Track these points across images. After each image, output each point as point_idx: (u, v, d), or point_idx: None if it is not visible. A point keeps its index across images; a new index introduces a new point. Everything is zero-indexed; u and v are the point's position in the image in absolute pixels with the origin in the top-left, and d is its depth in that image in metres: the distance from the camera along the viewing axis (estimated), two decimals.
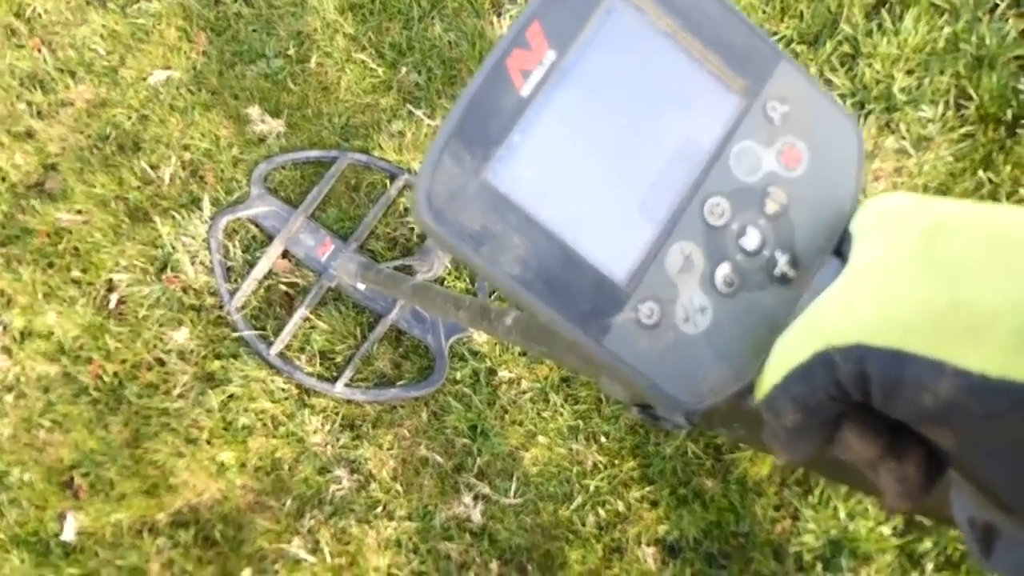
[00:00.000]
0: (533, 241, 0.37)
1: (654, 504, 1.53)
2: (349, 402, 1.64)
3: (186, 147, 1.87)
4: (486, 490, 1.57)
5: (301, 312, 1.67)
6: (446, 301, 1.13)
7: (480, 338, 1.63)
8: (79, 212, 1.83)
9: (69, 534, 1.66)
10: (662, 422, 0.57)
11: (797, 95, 0.41)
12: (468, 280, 1.71)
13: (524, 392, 1.60)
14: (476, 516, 1.56)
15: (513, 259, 0.36)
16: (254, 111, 1.86)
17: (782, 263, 0.40)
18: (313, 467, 1.62)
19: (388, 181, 1.76)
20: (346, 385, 1.63)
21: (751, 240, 0.39)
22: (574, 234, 0.38)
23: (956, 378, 0.32)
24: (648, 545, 1.51)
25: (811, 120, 0.41)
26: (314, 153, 1.82)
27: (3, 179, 1.90)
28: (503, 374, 1.61)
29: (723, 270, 0.39)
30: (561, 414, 1.59)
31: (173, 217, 1.78)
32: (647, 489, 1.53)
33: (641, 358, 0.38)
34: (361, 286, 1.66)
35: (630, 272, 0.38)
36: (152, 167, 1.84)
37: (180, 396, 1.69)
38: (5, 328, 1.79)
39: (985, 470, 0.34)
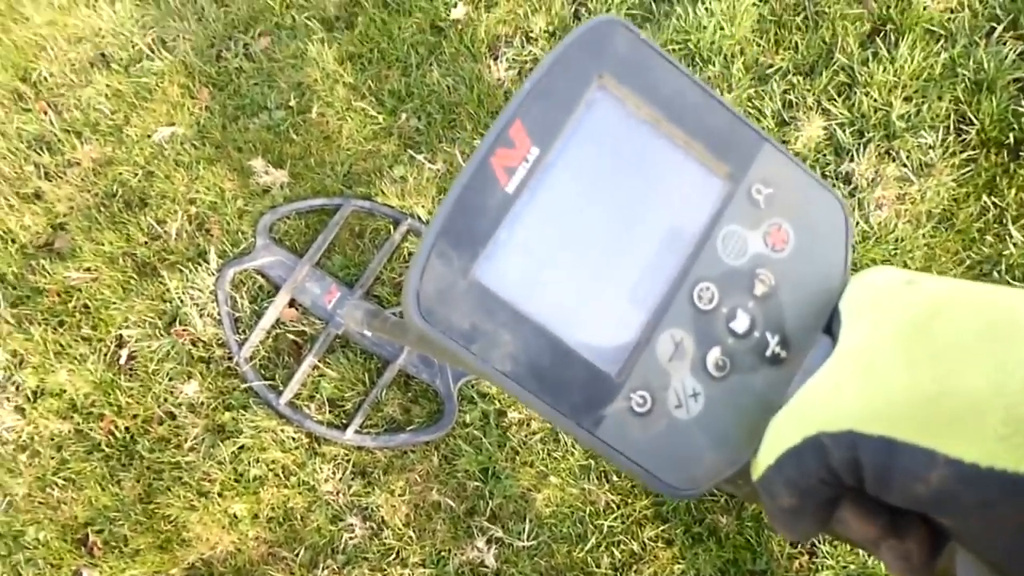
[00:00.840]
0: (523, 337, 0.37)
1: (669, 543, 1.51)
2: (360, 449, 1.63)
3: (192, 201, 1.89)
4: (499, 533, 1.55)
5: (309, 360, 1.68)
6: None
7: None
8: (88, 270, 1.85)
9: None
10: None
11: (781, 177, 0.41)
12: None
13: (534, 433, 1.59)
14: (490, 560, 1.54)
15: (504, 355, 0.36)
16: (258, 163, 1.88)
17: (773, 344, 0.40)
18: (325, 516, 1.61)
19: (392, 227, 1.77)
20: (356, 432, 1.63)
21: (741, 323, 0.39)
22: (564, 327, 0.38)
23: (948, 467, 0.32)
24: None
25: (796, 200, 0.41)
26: (318, 201, 1.83)
27: (13, 241, 1.92)
28: (512, 415, 1.60)
29: (714, 354, 0.39)
30: (572, 454, 1.57)
31: (180, 271, 1.80)
32: (661, 528, 1.52)
33: (635, 447, 0.38)
34: (368, 332, 1.67)
35: (621, 362, 0.38)
36: (159, 222, 1.86)
37: (191, 449, 1.69)
38: (18, 388, 1.80)
39: (984, 549, 0.34)
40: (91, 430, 1.75)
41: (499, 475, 1.59)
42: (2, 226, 1.92)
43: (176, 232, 1.85)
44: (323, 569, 1.58)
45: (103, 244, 1.85)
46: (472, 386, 1.64)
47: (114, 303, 1.80)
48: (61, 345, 1.80)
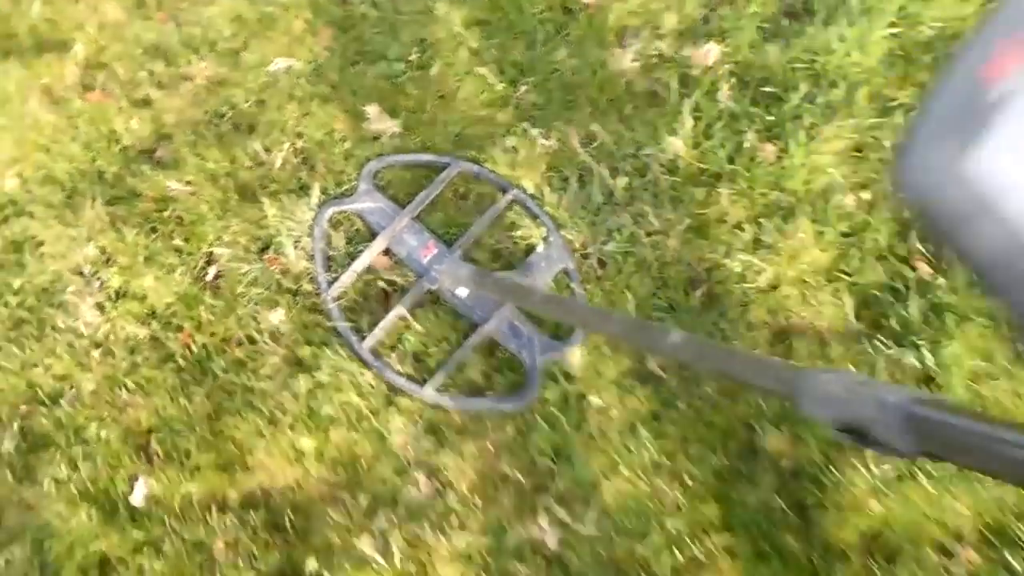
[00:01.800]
0: (1004, 234, 0.37)
1: (733, 555, 1.49)
2: (436, 407, 1.61)
3: (300, 135, 1.87)
4: (564, 516, 1.53)
5: (398, 310, 1.66)
6: (592, 315, 1.11)
7: (575, 361, 1.61)
8: (188, 183, 1.83)
9: (139, 498, 1.63)
10: (877, 447, 0.55)
11: None
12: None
13: (613, 421, 1.58)
14: (551, 542, 1.52)
15: (983, 246, 0.37)
16: (372, 109, 1.87)
17: None
18: (392, 467, 1.59)
19: (499, 193, 1.75)
20: (436, 389, 1.61)
21: None
22: None
23: None
24: None
25: None
26: (426, 157, 1.82)
27: (117, 141, 1.91)
28: (594, 400, 1.59)
29: None
30: (648, 449, 1.56)
31: (281, 200, 1.78)
32: (727, 538, 1.50)
33: None
34: (462, 293, 1.65)
35: None
36: (265, 150, 1.84)
37: (267, 377, 1.67)
38: (102, 285, 1.79)
39: None
40: (168, 340, 1.74)
41: (572, 458, 1.57)
42: (108, 125, 1.91)
43: (281, 162, 1.83)
44: (382, 519, 1.56)
45: (207, 161, 1.84)
46: (557, 364, 1.62)
47: (209, 220, 1.79)
48: (151, 251, 1.79)
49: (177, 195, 1.82)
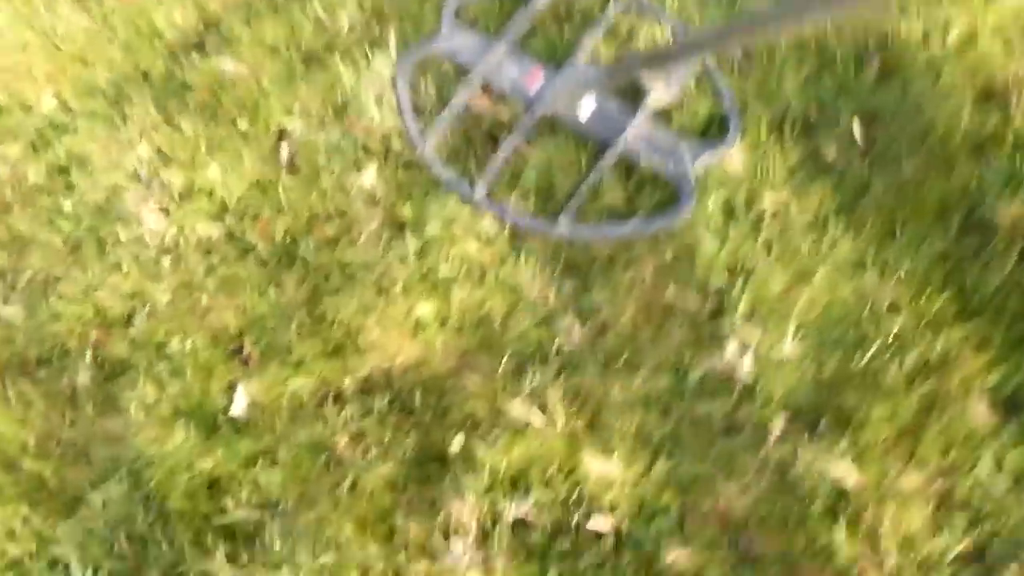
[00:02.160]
0: None
1: (980, 347, 1.19)
2: (572, 243, 1.35)
3: None
4: (752, 339, 1.25)
5: (511, 143, 1.41)
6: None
7: (735, 162, 1.34)
8: (245, 62, 1.61)
9: (240, 407, 1.38)
10: None
11: None
12: None
13: (795, 222, 1.30)
14: (743, 371, 1.24)
15: None
16: None
17: None
18: (532, 319, 1.32)
19: (605, 3, 1.51)
20: (570, 223, 1.35)
21: None
22: None
23: None
24: (976, 397, 1.17)
25: None
26: None
27: (160, 37, 1.70)
28: (767, 202, 1.31)
29: None
30: (844, 245, 1.27)
31: (354, 58, 1.55)
32: (966, 329, 1.20)
33: None
34: (583, 114, 1.39)
35: None
36: (327, 11, 1.62)
37: (367, 245, 1.42)
38: (163, 187, 1.56)
39: None
40: (245, 233, 1.50)
41: (750, 271, 1.29)
42: (148, 22, 1.70)
43: (348, 21, 1.60)
44: (531, 378, 1.28)
45: (263, 35, 1.62)
46: (712, 169, 1.35)
47: (274, 94, 1.56)
48: (213, 140, 1.56)
49: (235, 77, 1.60)
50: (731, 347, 1.25)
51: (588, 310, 1.31)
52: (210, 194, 1.54)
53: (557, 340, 1.30)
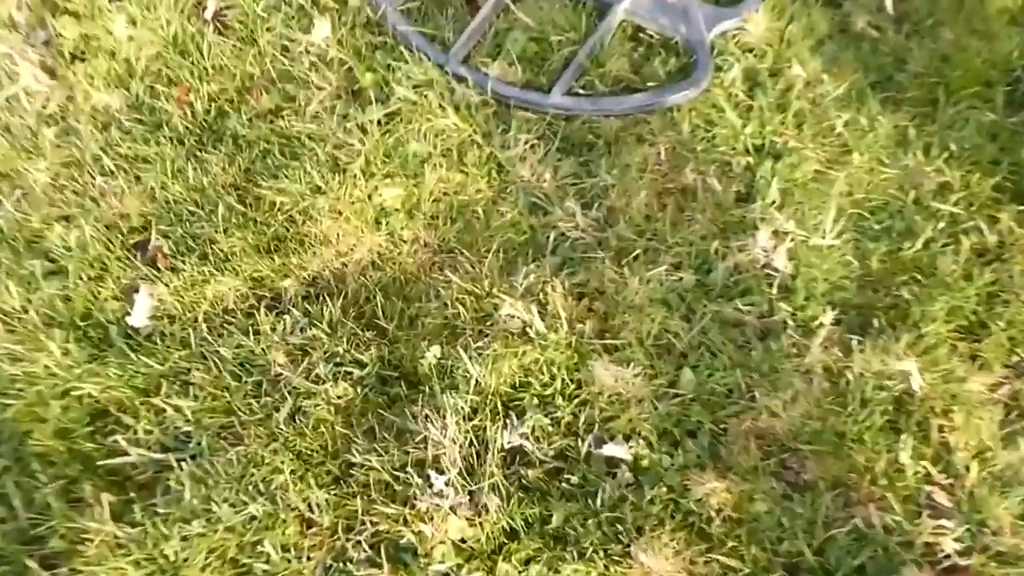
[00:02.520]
0: None
1: None
2: (572, 117, 0.99)
3: None
4: (788, 226, 0.94)
5: (490, 5, 1.04)
6: None
7: (756, 29, 1.02)
8: None
9: (141, 316, 0.93)
10: None
11: None
12: None
13: (828, 96, 0.99)
14: (780, 261, 0.92)
15: None
16: None
17: None
18: (523, 205, 0.96)
19: None
20: (567, 93, 1.00)
21: None
22: None
23: None
24: None
25: None
26: None
27: None
28: (795, 72, 1.00)
29: None
30: (885, 121, 0.98)
31: None
32: None
33: None
34: None
35: None
36: None
37: (315, 117, 1.02)
38: (49, 43, 1.09)
39: None
40: (157, 103, 1.06)
41: (780, 152, 0.98)
42: None
43: None
44: (523, 277, 0.92)
45: None
46: (732, 36, 1.03)
47: None
48: None
49: None
50: (763, 236, 0.93)
51: (593, 194, 0.96)
52: (112, 54, 1.08)
53: (554, 232, 0.94)
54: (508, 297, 0.88)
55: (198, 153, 0.99)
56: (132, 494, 0.83)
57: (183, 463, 0.83)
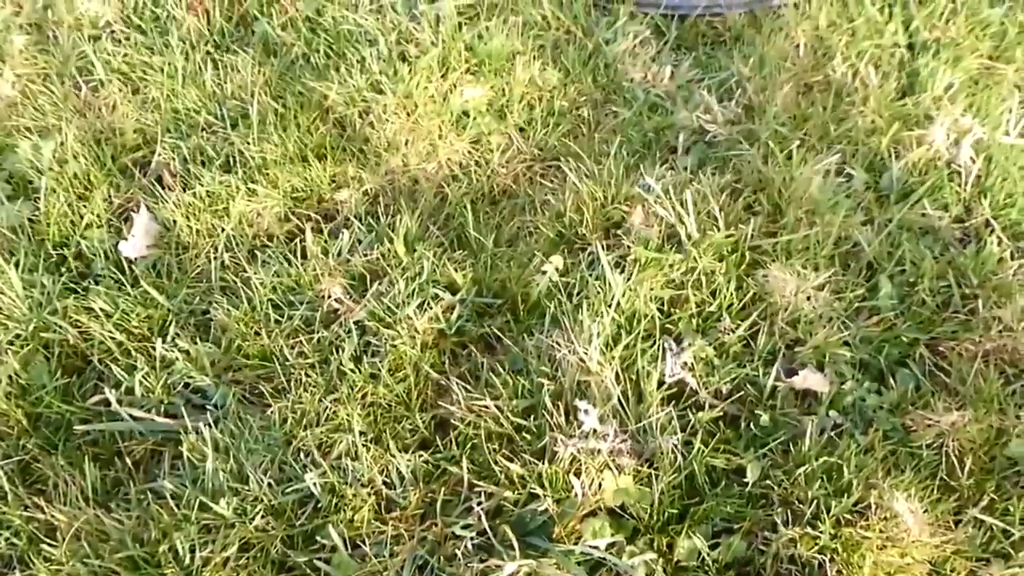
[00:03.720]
0: None
1: None
2: (682, 16, 0.91)
3: None
4: (966, 120, 0.84)
5: None
6: None
7: None
8: None
9: (138, 245, 0.75)
10: None
11: None
12: None
13: None
14: (965, 156, 0.82)
15: None
16: None
17: None
18: (641, 104, 0.84)
19: None
20: None
21: None
22: None
23: None
24: None
25: None
26: None
27: None
28: None
29: None
30: None
31: None
32: None
33: None
34: None
35: None
36: None
37: (373, 11, 0.90)
38: None
39: None
40: (161, 11, 0.93)
41: (933, 46, 0.91)
42: None
43: None
44: (657, 179, 0.78)
45: None
46: None
47: None
48: None
49: None
50: (939, 131, 0.84)
51: (726, 88, 0.86)
52: None
53: (685, 129, 0.83)
54: (644, 199, 0.75)
55: (218, 58, 0.86)
56: (123, 473, 0.62)
57: (200, 428, 0.63)
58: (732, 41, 0.89)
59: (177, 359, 0.68)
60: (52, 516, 0.60)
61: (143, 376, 0.67)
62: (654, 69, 0.87)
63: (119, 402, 0.66)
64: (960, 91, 0.87)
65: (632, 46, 0.88)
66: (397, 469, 0.63)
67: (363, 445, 0.64)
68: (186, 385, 0.68)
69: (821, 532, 0.60)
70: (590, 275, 0.72)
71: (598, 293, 0.70)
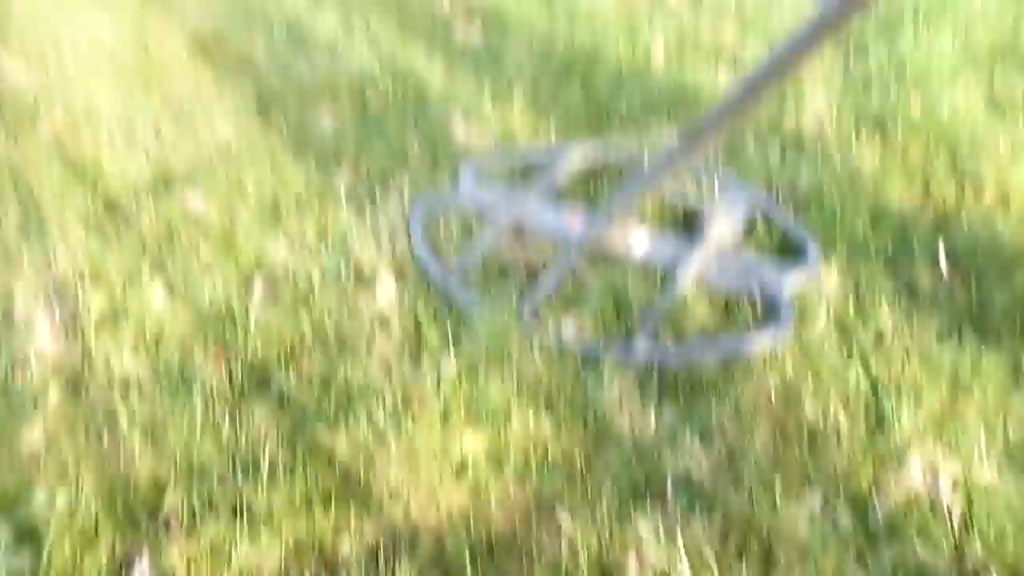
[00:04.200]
0: None
1: None
2: (653, 369, 1.03)
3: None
4: (938, 456, 0.92)
5: (560, 267, 1.17)
6: None
7: (830, 283, 1.15)
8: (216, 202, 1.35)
9: None
10: None
11: None
12: None
13: (923, 336, 1.08)
14: (946, 495, 0.87)
15: None
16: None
17: None
18: (632, 451, 0.92)
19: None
20: (650, 345, 1.05)
21: None
22: None
23: None
24: None
25: None
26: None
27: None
28: (883, 319, 1.10)
29: None
30: (987, 357, 1.05)
31: (358, 202, 1.34)
32: None
33: None
34: (640, 246, 1.21)
35: None
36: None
37: (379, 369, 1.02)
38: (75, 314, 1.12)
39: None
40: (187, 368, 1.05)
41: (895, 388, 1.02)
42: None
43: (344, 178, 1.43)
44: (649, 523, 0.83)
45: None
46: (801, 292, 1.15)
47: (254, 227, 1.28)
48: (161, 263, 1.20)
49: (201, 215, 1.32)
50: (914, 468, 0.91)
51: (708, 433, 0.95)
52: (142, 324, 1.12)
53: (672, 472, 0.90)
54: (638, 542, 0.81)
55: (235, 412, 0.98)
56: None
57: None
58: (709, 389, 1.02)
59: None
60: None
61: None
62: (640, 419, 0.98)
63: None
64: (927, 431, 0.97)
65: (619, 395, 1.00)
66: None
67: None
68: None
69: None
70: None
71: None
